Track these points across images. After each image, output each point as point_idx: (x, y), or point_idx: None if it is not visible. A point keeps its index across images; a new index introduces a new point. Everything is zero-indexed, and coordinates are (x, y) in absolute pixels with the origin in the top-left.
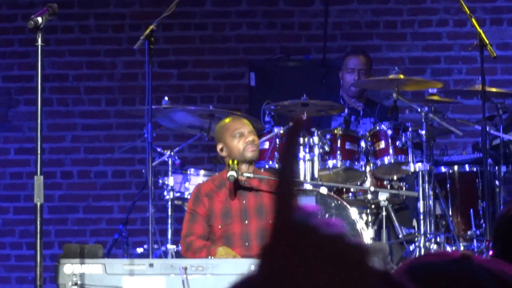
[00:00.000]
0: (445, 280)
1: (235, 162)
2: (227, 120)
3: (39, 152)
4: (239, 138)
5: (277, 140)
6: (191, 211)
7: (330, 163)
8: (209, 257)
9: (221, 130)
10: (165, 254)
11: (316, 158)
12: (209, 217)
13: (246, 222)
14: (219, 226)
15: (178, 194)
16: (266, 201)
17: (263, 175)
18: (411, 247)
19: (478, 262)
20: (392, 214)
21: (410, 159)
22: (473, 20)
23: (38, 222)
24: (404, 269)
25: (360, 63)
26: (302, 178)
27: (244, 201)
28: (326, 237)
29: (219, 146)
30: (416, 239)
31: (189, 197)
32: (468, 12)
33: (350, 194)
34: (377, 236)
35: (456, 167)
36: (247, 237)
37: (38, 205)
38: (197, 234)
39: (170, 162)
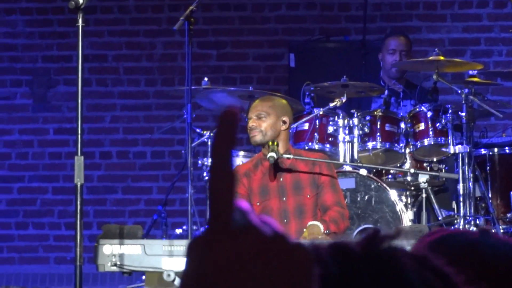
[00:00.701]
0: (478, 251)
1: (275, 143)
2: (255, 101)
3: (79, 132)
4: (248, 123)
5: (317, 121)
6: None
7: (370, 144)
8: None
9: None
10: None
11: (355, 140)
12: (249, 195)
13: (284, 199)
14: (257, 203)
15: None
16: (302, 177)
17: (302, 154)
18: None
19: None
20: (432, 196)
21: (450, 141)
22: None
23: (79, 203)
24: (431, 247)
25: (401, 44)
26: (341, 159)
27: (281, 179)
28: (268, 236)
29: None
30: (455, 221)
31: None
32: None
33: (390, 176)
34: (417, 218)
35: (496, 149)
36: (285, 214)
37: (79, 186)
38: None
39: (209, 143)
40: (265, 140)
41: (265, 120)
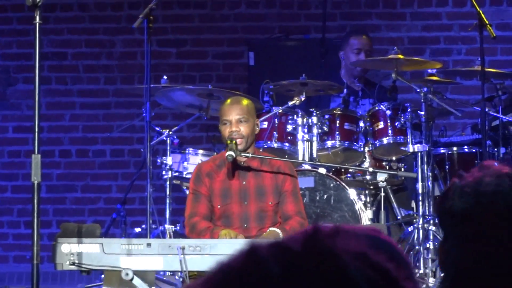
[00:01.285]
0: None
1: (234, 142)
2: (225, 102)
3: (36, 130)
4: (225, 126)
5: (276, 120)
6: (194, 191)
7: (329, 143)
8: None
9: (219, 111)
10: (163, 234)
11: (314, 139)
12: (210, 196)
13: (246, 203)
14: (218, 206)
15: (176, 174)
16: (266, 183)
17: (263, 155)
18: (410, 229)
19: None
20: (391, 195)
21: (409, 139)
22: (473, 0)
23: (36, 201)
24: (367, 243)
25: (366, 43)
26: (300, 158)
27: (244, 182)
28: None
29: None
30: (414, 220)
31: (187, 176)
32: None
33: (349, 175)
34: (376, 217)
35: (455, 148)
36: (246, 218)
37: (36, 184)
38: (202, 215)
39: (168, 141)
40: (246, 146)
41: (245, 125)
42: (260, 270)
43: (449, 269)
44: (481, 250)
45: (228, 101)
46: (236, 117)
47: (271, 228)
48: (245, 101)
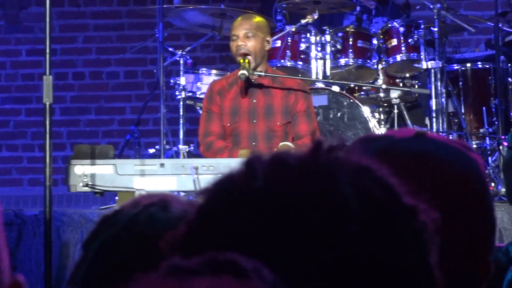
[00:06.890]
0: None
1: (246, 60)
2: (237, 19)
3: (47, 51)
4: (233, 41)
5: (289, 38)
6: (207, 109)
7: (342, 61)
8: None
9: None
10: (176, 155)
11: (328, 57)
12: (221, 115)
13: (254, 121)
14: (228, 124)
15: (190, 94)
16: (275, 102)
17: (276, 73)
18: None
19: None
20: (405, 112)
21: (422, 56)
22: None
23: (47, 123)
24: (378, 155)
25: None
26: (314, 76)
27: (254, 100)
28: None
29: None
30: None
31: (201, 96)
32: None
33: (362, 92)
34: None
35: (468, 65)
36: (255, 136)
37: (47, 105)
38: (216, 133)
39: (181, 62)
40: (256, 64)
41: (253, 40)
42: (245, 182)
43: None
44: None
45: (240, 18)
46: (243, 32)
47: (282, 143)
48: (256, 18)
